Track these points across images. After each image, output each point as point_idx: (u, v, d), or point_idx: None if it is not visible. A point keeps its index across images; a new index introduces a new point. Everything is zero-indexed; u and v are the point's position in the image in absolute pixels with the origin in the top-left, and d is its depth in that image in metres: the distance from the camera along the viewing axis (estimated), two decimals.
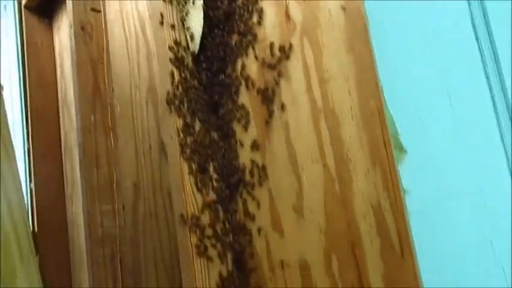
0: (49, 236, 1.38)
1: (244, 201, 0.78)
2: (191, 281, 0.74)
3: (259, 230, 0.76)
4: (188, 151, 0.78)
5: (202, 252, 0.74)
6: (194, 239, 0.74)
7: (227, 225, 0.78)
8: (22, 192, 1.01)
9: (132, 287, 1.12)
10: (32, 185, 1.40)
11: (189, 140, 0.79)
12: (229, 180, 0.79)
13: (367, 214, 0.59)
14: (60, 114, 1.45)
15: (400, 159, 0.56)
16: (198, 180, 0.78)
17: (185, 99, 0.80)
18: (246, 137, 0.78)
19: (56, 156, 1.44)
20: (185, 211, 0.76)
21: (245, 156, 0.78)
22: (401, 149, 0.56)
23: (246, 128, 0.78)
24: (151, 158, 1.11)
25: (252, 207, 0.77)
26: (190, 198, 0.77)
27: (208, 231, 0.76)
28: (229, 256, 0.77)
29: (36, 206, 1.39)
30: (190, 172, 0.78)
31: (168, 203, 1.07)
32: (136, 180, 1.14)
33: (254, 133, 0.77)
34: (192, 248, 0.74)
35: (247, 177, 0.77)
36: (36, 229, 1.37)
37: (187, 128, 0.79)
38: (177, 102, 0.79)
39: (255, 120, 0.77)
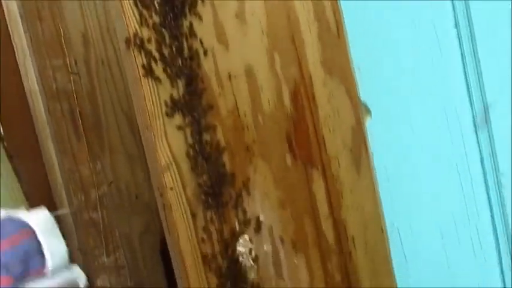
0: (11, 109, 1.37)
1: (190, 24, 0.76)
2: (141, 102, 0.74)
3: (205, 52, 0.75)
4: None
5: (148, 72, 0.73)
6: (139, 60, 0.73)
7: (174, 50, 0.77)
8: None
9: (95, 138, 1.14)
10: None
11: None
12: (173, 1, 0.76)
13: (305, 1, 0.58)
14: None
15: None
16: (138, 2, 0.74)
17: None
18: None
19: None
20: (128, 34, 0.73)
21: None
22: None
23: None
24: (96, 3, 1.06)
25: (197, 26, 0.75)
26: (132, 21, 0.74)
27: (156, 55, 0.75)
28: (179, 80, 0.77)
29: None
30: None
31: (118, 47, 1.04)
32: (84, 30, 1.09)
33: None
34: (139, 69, 0.73)
35: None
36: None
37: None
38: None
39: None
